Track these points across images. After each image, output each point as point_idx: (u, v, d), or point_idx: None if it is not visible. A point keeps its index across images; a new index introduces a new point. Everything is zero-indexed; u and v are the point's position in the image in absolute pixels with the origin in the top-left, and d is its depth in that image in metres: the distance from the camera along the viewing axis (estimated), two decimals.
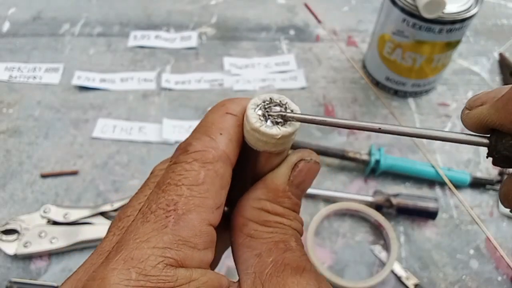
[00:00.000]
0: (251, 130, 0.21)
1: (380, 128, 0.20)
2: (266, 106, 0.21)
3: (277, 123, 0.21)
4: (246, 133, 0.22)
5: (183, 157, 0.20)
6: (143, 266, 0.17)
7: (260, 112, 0.21)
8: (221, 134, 0.21)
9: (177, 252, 0.17)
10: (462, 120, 0.21)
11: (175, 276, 0.17)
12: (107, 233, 0.21)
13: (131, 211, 0.22)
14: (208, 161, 0.20)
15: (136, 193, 0.23)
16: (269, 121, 0.21)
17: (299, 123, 0.21)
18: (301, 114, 0.21)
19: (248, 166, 0.23)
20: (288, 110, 0.21)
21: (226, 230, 0.24)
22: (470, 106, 0.20)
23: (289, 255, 0.20)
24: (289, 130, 0.21)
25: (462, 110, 0.21)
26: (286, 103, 0.22)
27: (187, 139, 0.22)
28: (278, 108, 0.21)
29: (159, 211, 0.18)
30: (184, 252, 0.18)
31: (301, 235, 0.22)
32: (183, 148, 0.21)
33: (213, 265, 0.23)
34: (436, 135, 0.19)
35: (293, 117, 0.21)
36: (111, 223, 0.22)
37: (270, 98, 0.22)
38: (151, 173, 0.24)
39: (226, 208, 0.24)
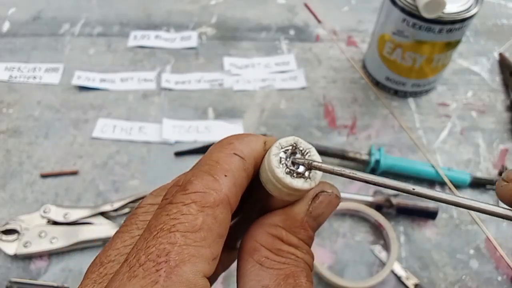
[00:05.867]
0: (272, 177, 0.20)
1: (413, 189, 0.19)
2: (287, 153, 0.20)
3: (297, 174, 0.20)
4: (263, 175, 0.21)
5: (180, 197, 0.18)
6: None
7: (282, 156, 0.20)
8: (225, 176, 0.19)
9: None
10: (496, 192, 0.20)
11: None
12: (85, 279, 0.19)
13: (115, 255, 0.19)
14: (208, 205, 0.18)
15: (120, 231, 0.21)
16: (288, 169, 0.20)
17: (319, 176, 0.20)
18: (327, 165, 0.20)
19: (257, 200, 0.23)
20: (310, 160, 0.20)
21: (227, 251, 0.22)
22: (508, 179, 0.20)
23: None
24: (310, 185, 0.20)
25: (498, 180, 0.20)
26: (309, 151, 0.21)
27: (186, 175, 0.19)
28: (299, 156, 0.20)
29: (149, 264, 0.16)
30: None
31: (311, 270, 0.21)
32: (182, 186, 0.19)
33: None
34: (473, 205, 0.18)
35: (319, 168, 0.20)
36: (90, 267, 0.20)
37: (295, 144, 0.20)
38: (138, 207, 0.22)
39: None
